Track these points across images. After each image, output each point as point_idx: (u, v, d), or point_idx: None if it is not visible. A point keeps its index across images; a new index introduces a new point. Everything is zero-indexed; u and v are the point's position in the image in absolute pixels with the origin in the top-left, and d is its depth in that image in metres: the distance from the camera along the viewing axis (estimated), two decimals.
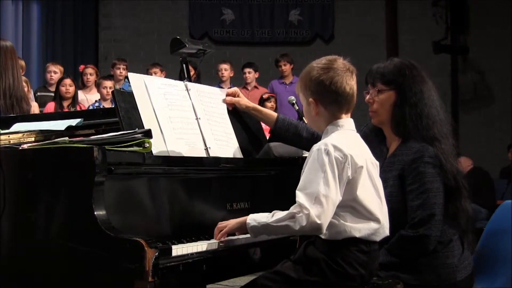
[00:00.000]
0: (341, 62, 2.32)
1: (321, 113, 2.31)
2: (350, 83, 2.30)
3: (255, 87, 7.85)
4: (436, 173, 2.56)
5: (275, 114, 2.92)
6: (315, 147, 2.23)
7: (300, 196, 2.16)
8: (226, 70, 7.71)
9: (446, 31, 10.06)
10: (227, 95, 2.92)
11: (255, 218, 2.25)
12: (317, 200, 2.13)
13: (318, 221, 2.12)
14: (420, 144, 2.58)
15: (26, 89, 6.29)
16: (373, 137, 2.77)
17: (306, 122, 2.40)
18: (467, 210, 2.65)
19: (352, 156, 2.19)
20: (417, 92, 2.65)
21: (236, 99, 2.92)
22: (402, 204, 2.56)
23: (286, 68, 7.92)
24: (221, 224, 2.34)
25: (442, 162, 2.56)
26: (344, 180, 2.18)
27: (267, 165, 2.90)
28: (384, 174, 2.60)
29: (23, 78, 6.49)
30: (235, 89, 2.99)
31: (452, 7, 10.06)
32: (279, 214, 2.19)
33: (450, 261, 2.57)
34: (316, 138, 2.79)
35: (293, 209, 2.17)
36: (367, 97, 2.72)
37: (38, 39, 9.00)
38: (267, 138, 3.06)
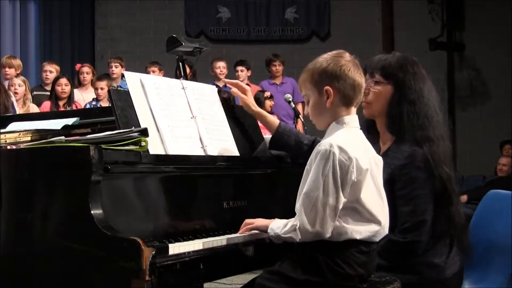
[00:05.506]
0: (349, 55, 2.30)
1: (334, 103, 2.26)
2: (361, 74, 2.29)
3: (247, 85, 7.77)
4: (427, 178, 2.52)
5: (277, 121, 2.88)
6: (321, 146, 2.19)
7: (300, 201, 2.18)
8: (224, 67, 7.54)
9: (442, 28, 10.05)
10: (237, 86, 2.87)
11: (273, 228, 2.28)
12: (314, 206, 2.14)
13: (311, 229, 2.14)
14: (412, 148, 2.54)
15: (24, 88, 6.33)
16: (365, 133, 2.73)
17: (310, 118, 2.35)
18: (458, 215, 2.60)
19: (358, 159, 2.17)
20: (417, 90, 2.60)
21: (244, 96, 2.87)
22: (391, 208, 2.53)
23: (280, 69, 7.83)
24: (249, 220, 2.38)
25: (432, 166, 2.52)
26: (348, 183, 2.15)
27: (264, 163, 2.90)
28: None
29: (21, 78, 6.50)
30: (246, 86, 2.93)
31: (448, 4, 10.06)
32: (288, 225, 2.21)
33: (438, 260, 2.55)
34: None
35: (294, 220, 2.20)
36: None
37: (35, 38, 9.01)
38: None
